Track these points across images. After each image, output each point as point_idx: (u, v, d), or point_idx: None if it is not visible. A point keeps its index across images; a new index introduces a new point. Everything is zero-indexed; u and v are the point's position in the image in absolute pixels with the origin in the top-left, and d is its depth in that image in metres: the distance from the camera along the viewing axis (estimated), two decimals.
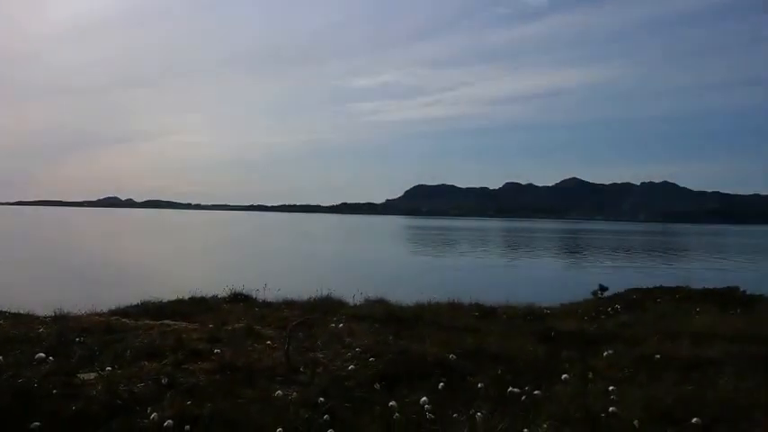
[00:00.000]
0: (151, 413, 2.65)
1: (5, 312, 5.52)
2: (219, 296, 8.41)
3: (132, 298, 7.95)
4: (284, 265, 25.73)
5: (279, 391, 3.11)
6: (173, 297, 8.07)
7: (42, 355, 3.21)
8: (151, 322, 5.14)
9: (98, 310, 6.51)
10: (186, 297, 8.09)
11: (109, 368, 3.23)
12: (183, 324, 5.18)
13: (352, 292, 8.97)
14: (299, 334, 4.34)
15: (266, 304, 7.96)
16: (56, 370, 3.23)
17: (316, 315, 5.98)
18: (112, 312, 6.84)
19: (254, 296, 8.41)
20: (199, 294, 8.24)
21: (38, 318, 5.29)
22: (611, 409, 3.20)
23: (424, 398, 3.20)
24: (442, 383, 3.53)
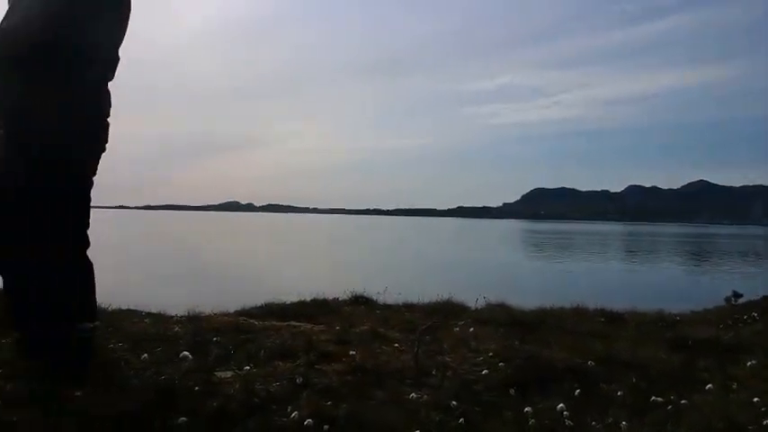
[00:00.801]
0: (291, 412, 2.71)
1: (143, 312, 5.82)
2: (340, 299, 8.55)
3: (255, 299, 8.26)
4: (402, 269, 26.02)
5: (413, 394, 3.10)
6: (294, 299, 8.30)
7: (186, 353, 3.36)
8: (278, 323, 5.26)
9: (224, 310, 6.77)
10: (308, 299, 8.30)
11: (247, 367, 3.34)
12: (309, 326, 5.27)
13: (472, 295, 8.87)
14: (426, 337, 4.32)
15: (386, 307, 8.00)
16: (195, 368, 3.35)
17: (437, 319, 5.93)
18: (238, 313, 7.08)
19: (374, 299, 8.52)
20: (320, 297, 8.44)
21: (171, 317, 5.54)
22: (765, 422, 2.99)
23: (561, 404, 3.09)
24: (578, 390, 3.41)
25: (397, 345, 4.37)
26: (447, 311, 7.35)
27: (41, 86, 2.88)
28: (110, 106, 3.15)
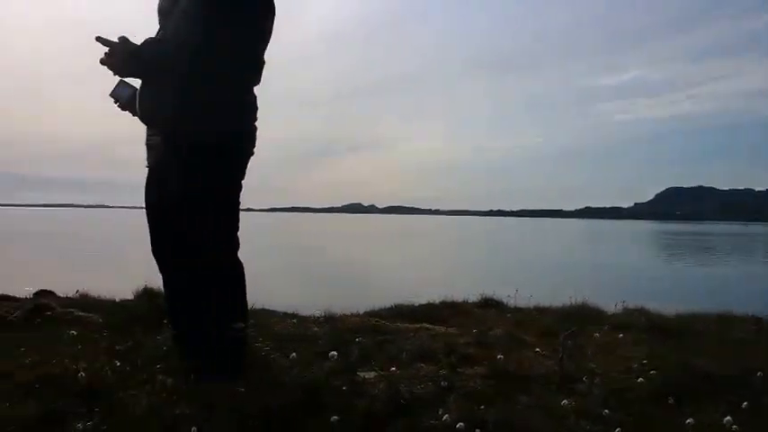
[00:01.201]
0: (442, 414, 2.70)
1: (280, 313, 6.02)
2: (469, 301, 8.48)
3: (382, 300, 8.36)
4: (530, 271, 25.54)
5: (564, 401, 3.00)
6: (423, 301, 8.34)
7: (335, 353, 3.45)
8: (411, 325, 5.28)
9: (354, 311, 6.88)
10: (437, 301, 8.29)
11: (393, 369, 3.38)
12: (442, 328, 5.25)
13: (606, 300, 8.53)
14: (568, 342, 4.18)
15: (517, 310, 7.84)
16: (338, 368, 3.43)
17: (576, 324, 5.73)
18: (367, 314, 7.18)
19: (503, 302, 8.38)
20: (448, 299, 8.41)
21: (308, 317, 5.69)
22: None
23: (728, 417, 2.89)
24: (745, 402, 3.17)
25: (538, 349, 4.26)
26: (582, 316, 7.09)
27: (195, 92, 3.03)
28: (257, 110, 3.28)
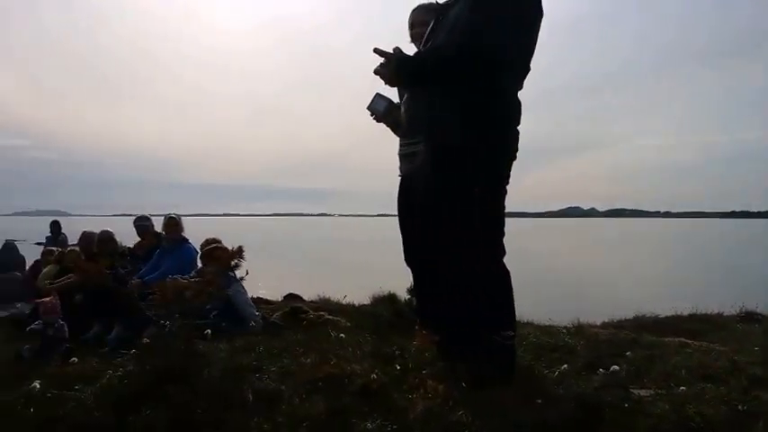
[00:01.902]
0: None
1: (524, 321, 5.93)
2: (725, 314, 7.81)
3: (615, 311, 7.96)
4: None
5: None
6: (668, 312, 7.83)
7: (616, 367, 3.33)
8: (671, 339, 4.94)
9: (589, 321, 6.61)
10: (684, 313, 7.74)
11: (683, 388, 3.16)
12: (704, 344, 4.84)
13: None
14: None
15: None
16: (608, 382, 3.28)
17: None
18: (605, 324, 6.88)
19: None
20: (698, 311, 7.80)
21: (555, 327, 5.57)
22: None
23: None
24: None
25: None
26: None
27: (464, 98, 3.09)
28: (520, 114, 3.25)
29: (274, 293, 8.64)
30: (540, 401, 2.93)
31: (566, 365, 3.45)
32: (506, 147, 3.22)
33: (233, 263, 3.81)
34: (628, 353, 3.96)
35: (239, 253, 3.83)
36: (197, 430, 2.88)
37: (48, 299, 5.71)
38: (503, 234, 3.26)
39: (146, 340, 3.64)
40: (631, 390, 3.24)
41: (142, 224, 7.88)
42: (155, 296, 3.71)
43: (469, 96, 3.06)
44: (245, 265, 3.91)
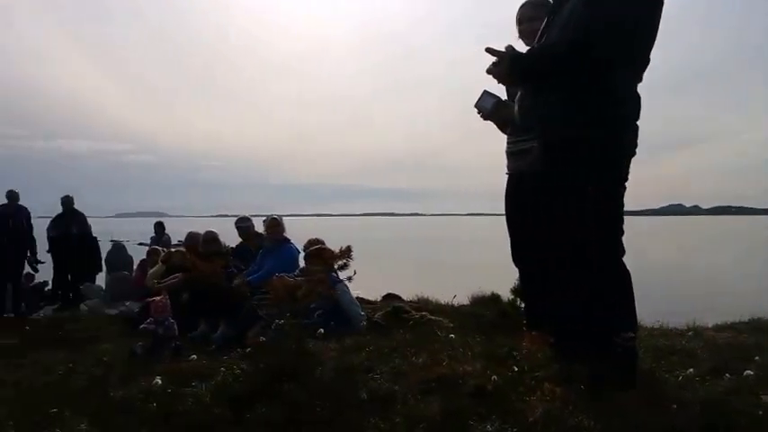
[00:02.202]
0: None
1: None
2: None
3: (723, 313, 7.61)
4: None
5: None
6: None
7: (728, 374, 3.20)
8: None
9: (703, 324, 6.33)
10: None
11: None
12: None
13: None
14: None
15: None
16: (737, 388, 3.13)
17: None
18: (717, 327, 6.58)
19: None
20: None
21: (668, 329, 5.39)
22: None
23: None
24: None
25: None
26: None
27: (579, 94, 3.01)
28: (639, 109, 3.14)
29: (372, 293, 8.71)
30: (666, 406, 2.82)
31: (691, 369, 3.30)
32: (623, 143, 3.12)
33: (342, 262, 3.86)
34: (756, 357, 3.76)
35: (348, 253, 3.87)
36: (312, 428, 2.93)
37: (158, 298, 5.94)
38: (621, 233, 3.15)
39: (262, 339, 3.73)
40: (762, 396, 3.08)
41: (243, 225, 8.10)
42: (267, 295, 3.80)
43: (584, 92, 2.98)
44: (352, 264, 3.95)
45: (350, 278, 3.93)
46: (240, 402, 3.29)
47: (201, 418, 3.16)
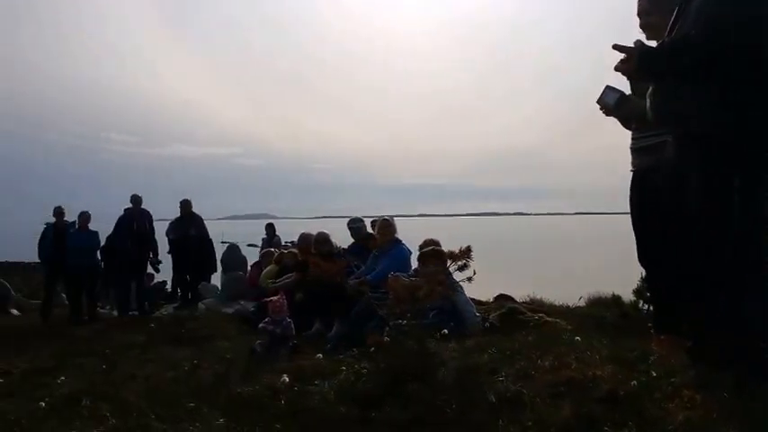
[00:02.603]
0: None
1: None
2: None
3: None
4: None
5: None
6: None
7: None
8: None
9: None
10: None
11: None
12: None
13: None
14: None
15: None
16: None
17: None
18: None
19: None
20: None
21: None
22: None
23: None
24: None
25: None
26: None
27: (716, 87, 2.87)
28: None
29: (482, 294, 8.64)
30: None
31: None
32: (765, 138, 2.94)
33: (462, 263, 3.83)
34: None
35: (468, 253, 3.84)
36: (440, 429, 2.92)
37: (275, 298, 6.11)
38: (766, 232, 2.97)
39: (386, 338, 3.76)
40: None
41: (356, 225, 8.21)
42: (386, 295, 3.83)
43: (722, 85, 2.83)
44: (471, 265, 3.92)
45: (470, 278, 3.90)
46: (365, 401, 3.33)
47: (329, 414, 3.23)
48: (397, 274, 5.54)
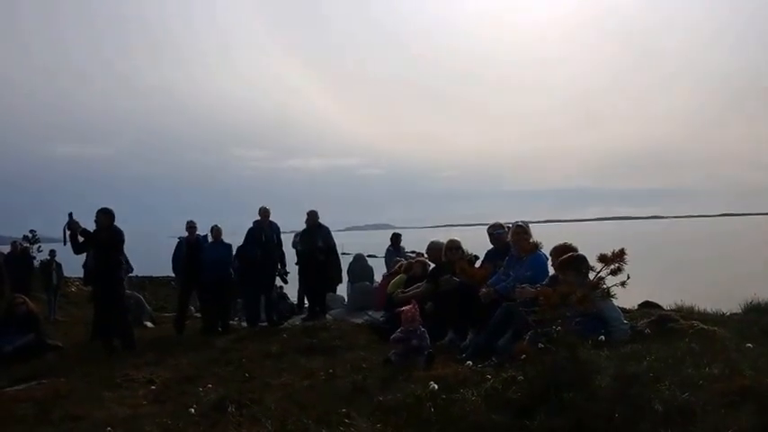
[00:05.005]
0: None
1: None
2: None
3: None
4: None
5: None
6: None
7: None
8: None
9: None
10: None
11: None
12: None
13: None
14: None
15: None
16: None
17: None
18: None
19: None
20: None
21: None
22: None
23: None
24: None
25: None
26: None
27: None
28: None
29: (625, 301, 8.33)
30: None
31: None
32: None
33: (615, 266, 3.70)
34: None
35: (621, 256, 3.71)
36: None
37: (408, 307, 6.14)
38: None
39: (540, 345, 3.69)
40: None
41: (497, 231, 8.13)
42: (539, 302, 3.76)
43: None
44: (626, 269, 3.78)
45: (623, 283, 3.76)
46: (517, 409, 3.29)
47: (482, 422, 3.21)
48: (524, 285, 5.44)
